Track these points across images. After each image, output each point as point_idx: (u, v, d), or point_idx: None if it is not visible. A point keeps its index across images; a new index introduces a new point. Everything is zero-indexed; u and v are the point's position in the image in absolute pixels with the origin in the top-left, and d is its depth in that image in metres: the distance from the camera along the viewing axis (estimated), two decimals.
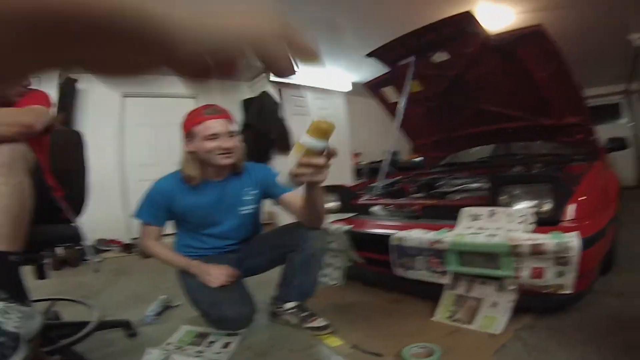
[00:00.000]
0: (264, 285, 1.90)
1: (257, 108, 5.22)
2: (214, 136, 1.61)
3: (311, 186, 1.37)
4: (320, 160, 1.15)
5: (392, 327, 1.64)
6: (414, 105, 2.97)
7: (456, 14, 2.26)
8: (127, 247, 4.12)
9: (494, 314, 1.55)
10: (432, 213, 2.01)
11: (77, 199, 1.63)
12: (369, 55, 2.79)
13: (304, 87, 5.81)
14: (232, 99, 5.33)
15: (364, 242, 2.06)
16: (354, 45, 4.62)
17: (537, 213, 1.62)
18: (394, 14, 3.87)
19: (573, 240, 1.40)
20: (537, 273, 1.46)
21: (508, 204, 1.74)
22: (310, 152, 1.13)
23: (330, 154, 1.17)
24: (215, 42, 0.26)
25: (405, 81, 2.73)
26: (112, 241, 4.23)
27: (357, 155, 6.70)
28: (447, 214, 1.88)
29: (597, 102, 6.46)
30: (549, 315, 1.58)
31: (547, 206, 1.64)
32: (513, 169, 2.47)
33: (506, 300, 1.56)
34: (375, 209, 2.30)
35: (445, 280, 1.69)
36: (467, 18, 2.23)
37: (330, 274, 2.34)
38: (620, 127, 6.44)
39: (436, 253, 1.69)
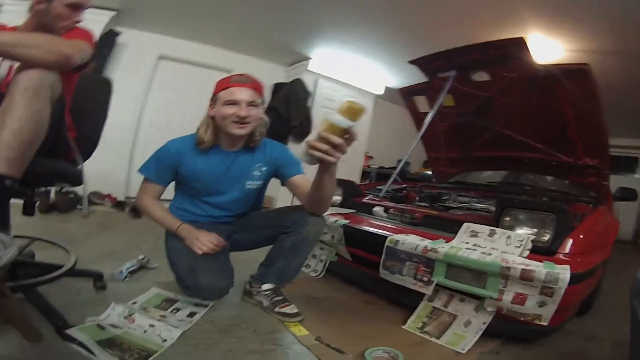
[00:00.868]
0: (246, 262, 1.87)
1: (285, 93, 5.25)
2: (233, 102, 1.59)
3: (324, 168, 1.36)
4: (337, 139, 1.17)
5: (361, 327, 1.61)
6: (442, 119, 3.03)
7: (510, 38, 2.29)
8: (119, 204, 4.12)
9: (464, 333, 1.53)
10: (432, 223, 2.00)
11: (87, 143, 1.61)
12: (412, 62, 2.82)
13: (340, 82, 5.81)
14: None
15: (356, 239, 2.05)
16: (396, 51, 4.64)
17: (536, 241, 1.60)
18: (445, 27, 3.85)
19: (563, 272, 1.37)
20: (520, 299, 1.43)
21: (510, 227, 1.72)
22: (333, 127, 1.17)
23: (350, 136, 1.19)
24: None
25: (440, 94, 2.74)
26: (107, 196, 4.22)
27: (368, 157, 6.67)
28: (447, 227, 1.87)
29: (618, 153, 6.49)
30: (516, 344, 1.57)
31: (546, 236, 1.62)
32: (520, 197, 2.44)
33: (480, 321, 1.54)
34: (376, 209, 2.29)
35: (427, 290, 1.67)
36: (520, 44, 2.23)
37: (313, 265, 2.33)
38: (633, 181, 6.43)
39: (427, 261, 1.67)
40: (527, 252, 1.54)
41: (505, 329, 1.57)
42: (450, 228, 1.82)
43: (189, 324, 1.42)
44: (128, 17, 4.34)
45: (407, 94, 3.20)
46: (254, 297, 1.72)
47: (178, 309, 1.55)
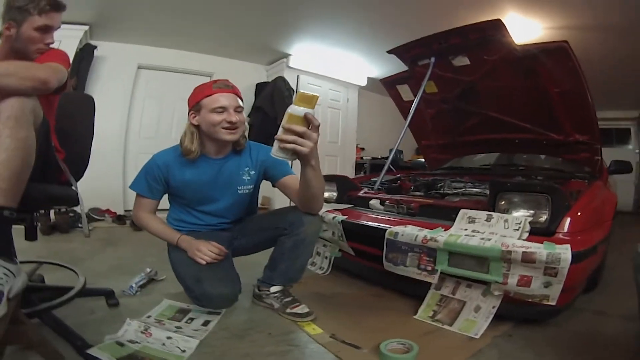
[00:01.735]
0: (251, 266, 1.89)
1: (269, 92, 5.27)
2: (221, 109, 1.61)
3: (304, 162, 1.40)
4: (300, 127, 1.24)
5: (373, 321, 1.64)
6: (427, 106, 3.01)
7: (486, 20, 2.26)
8: (120, 218, 4.12)
9: (475, 318, 1.55)
10: (429, 212, 2.00)
11: (77, 163, 1.62)
12: (390, 52, 2.80)
13: (321, 76, 5.85)
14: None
15: (356, 234, 2.06)
16: (376, 40, 4.66)
17: (533, 222, 1.61)
18: (420, 14, 3.88)
19: (565, 252, 1.39)
20: (525, 281, 1.45)
21: (506, 211, 1.73)
22: (293, 117, 1.24)
23: (312, 122, 1.25)
24: None
25: (422, 81, 2.72)
26: (106, 211, 4.22)
27: (360, 149, 6.70)
28: (444, 215, 1.88)
29: (610, 125, 6.51)
30: (527, 326, 1.59)
31: (543, 217, 1.64)
32: (514, 179, 2.45)
33: (489, 306, 1.56)
34: (373, 202, 2.30)
35: (432, 279, 1.68)
36: (497, 26, 2.22)
37: (318, 263, 2.35)
38: (627, 152, 6.46)
39: (428, 251, 1.68)
40: (526, 235, 1.55)
41: (515, 311, 1.59)
42: (447, 216, 1.84)
43: (205, 333, 1.44)
44: (102, 29, 4.35)
45: (389, 84, 3.17)
46: (264, 300, 1.75)
47: (192, 319, 1.58)
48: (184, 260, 1.65)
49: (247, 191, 1.80)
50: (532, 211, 1.68)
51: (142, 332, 1.39)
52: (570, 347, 1.43)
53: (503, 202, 1.75)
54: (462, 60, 2.56)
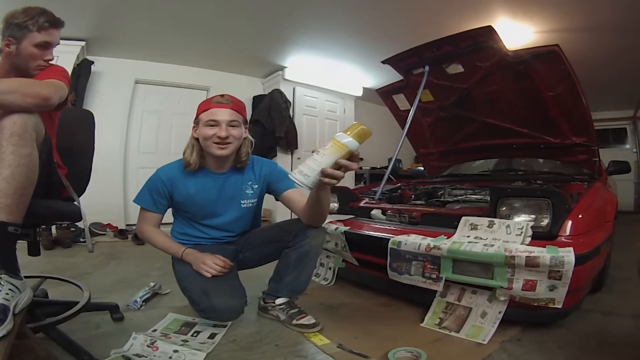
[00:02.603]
0: (256, 279, 1.89)
1: (266, 105, 5.29)
2: (214, 123, 1.62)
3: (324, 186, 1.38)
4: (356, 165, 1.20)
5: (380, 330, 1.63)
6: (424, 114, 3.04)
7: (477, 27, 2.29)
8: (122, 233, 4.11)
9: (482, 324, 1.55)
10: (431, 220, 2.01)
11: (79, 178, 1.62)
12: (385, 62, 2.83)
13: (318, 87, 5.90)
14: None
15: (360, 244, 2.06)
16: (370, 51, 4.70)
17: (535, 227, 1.62)
18: (413, 23, 3.93)
19: (568, 255, 1.40)
20: (530, 285, 1.45)
21: (507, 216, 1.74)
22: (342, 148, 1.17)
23: (354, 157, 1.22)
24: None
25: (418, 90, 2.74)
26: (107, 225, 4.21)
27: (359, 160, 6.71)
28: (446, 222, 1.88)
29: (606, 126, 6.55)
30: (536, 329, 1.59)
31: (545, 221, 1.65)
32: (514, 184, 2.46)
33: (496, 311, 1.56)
34: (374, 212, 2.30)
35: (437, 287, 1.69)
36: (488, 33, 2.25)
37: (323, 274, 2.35)
38: (624, 152, 6.49)
39: (432, 259, 1.68)
40: (528, 239, 1.56)
41: (522, 315, 1.58)
42: (449, 223, 1.84)
43: (212, 346, 1.44)
44: (99, 45, 4.40)
45: (385, 94, 3.20)
46: (270, 312, 1.74)
47: (198, 332, 1.57)
48: (190, 274, 1.65)
49: (250, 205, 1.81)
50: (533, 216, 1.69)
51: (148, 346, 1.38)
52: (581, 349, 1.43)
53: (504, 208, 1.77)
54: (456, 68, 2.59)
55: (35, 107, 1.11)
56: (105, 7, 3.62)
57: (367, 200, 2.58)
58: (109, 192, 4.43)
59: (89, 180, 1.70)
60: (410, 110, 2.85)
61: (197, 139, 1.69)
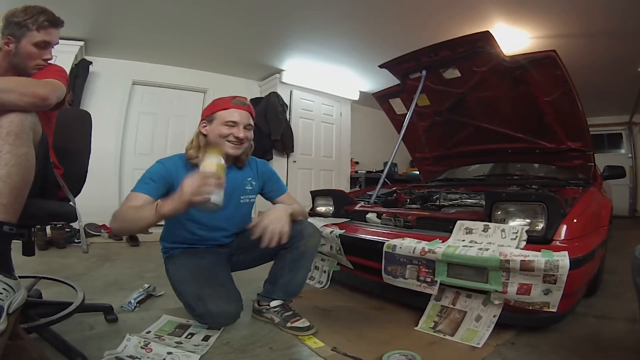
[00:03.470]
0: (250, 282, 1.89)
1: (262, 108, 5.28)
2: (233, 123, 1.65)
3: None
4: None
5: (374, 333, 1.63)
6: (420, 118, 3.05)
7: (475, 33, 2.31)
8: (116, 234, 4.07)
9: (477, 328, 1.56)
10: (426, 224, 2.00)
11: (75, 179, 1.61)
12: (382, 66, 2.85)
13: (314, 91, 5.91)
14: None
15: (354, 248, 2.06)
16: (367, 55, 4.72)
17: (530, 231, 1.62)
18: (411, 28, 3.95)
19: (562, 259, 1.40)
20: (525, 289, 1.46)
21: (502, 220, 1.74)
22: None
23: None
24: None
25: (414, 95, 2.75)
26: (102, 226, 4.19)
27: (354, 163, 6.73)
28: (441, 226, 1.89)
29: (601, 131, 6.59)
30: (530, 333, 1.60)
31: (540, 225, 1.65)
32: (509, 188, 2.47)
33: (490, 315, 1.57)
34: (369, 216, 2.30)
35: (432, 290, 1.68)
36: (486, 38, 2.27)
37: (317, 277, 2.34)
38: (620, 157, 6.53)
39: (427, 263, 1.68)
40: (523, 243, 1.56)
41: (517, 319, 1.59)
42: (444, 227, 1.84)
43: (205, 348, 1.43)
44: (97, 45, 4.40)
45: (381, 98, 3.22)
46: (264, 314, 1.74)
47: (192, 334, 1.56)
48: (184, 278, 1.65)
49: (248, 201, 1.84)
50: (528, 220, 1.69)
51: (142, 348, 1.38)
52: (574, 352, 1.44)
53: (499, 212, 1.76)
54: (452, 73, 2.61)
55: (32, 106, 1.11)
56: (104, 7, 3.63)
57: (362, 203, 2.57)
58: (105, 193, 4.40)
59: (84, 180, 1.70)
60: (406, 114, 2.86)
61: (204, 135, 1.71)
